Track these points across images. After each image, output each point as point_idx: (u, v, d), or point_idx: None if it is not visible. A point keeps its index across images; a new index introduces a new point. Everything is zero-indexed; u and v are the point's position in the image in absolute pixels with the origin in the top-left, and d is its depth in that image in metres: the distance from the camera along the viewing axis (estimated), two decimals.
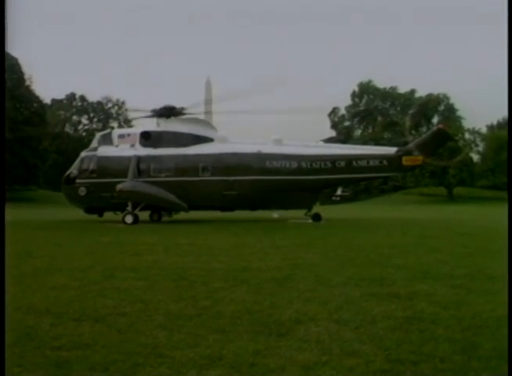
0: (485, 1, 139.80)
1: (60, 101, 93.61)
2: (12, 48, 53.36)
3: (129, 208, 22.05)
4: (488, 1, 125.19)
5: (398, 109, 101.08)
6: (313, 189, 23.18)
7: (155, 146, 23.12)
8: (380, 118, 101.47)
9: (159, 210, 24.34)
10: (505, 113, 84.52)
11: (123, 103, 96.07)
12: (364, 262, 9.39)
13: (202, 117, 25.88)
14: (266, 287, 7.08)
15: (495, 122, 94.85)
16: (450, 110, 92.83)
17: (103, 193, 22.50)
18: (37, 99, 71.33)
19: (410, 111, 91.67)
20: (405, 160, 22.65)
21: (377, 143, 67.28)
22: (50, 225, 22.02)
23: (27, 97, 68.12)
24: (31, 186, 72.69)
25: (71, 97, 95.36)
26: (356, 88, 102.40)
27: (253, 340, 4.64)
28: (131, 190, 21.98)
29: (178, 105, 24.18)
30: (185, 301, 6.15)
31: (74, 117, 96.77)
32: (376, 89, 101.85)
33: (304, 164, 22.58)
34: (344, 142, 67.09)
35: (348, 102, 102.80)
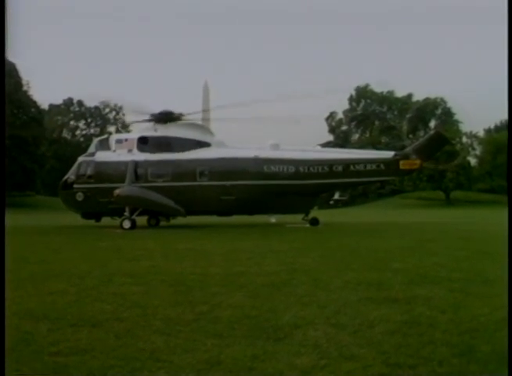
0: (484, 4, 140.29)
1: (58, 106, 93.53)
2: (10, 54, 53.26)
3: (127, 213, 22.00)
4: (487, 4, 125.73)
5: (396, 113, 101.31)
6: (311, 194, 23.18)
7: (152, 151, 23.12)
8: (377, 122, 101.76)
9: (156, 215, 24.34)
10: (502, 116, 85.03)
11: (120, 108, 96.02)
12: (362, 266, 9.38)
13: (199, 121, 25.90)
14: (264, 291, 7.06)
15: (492, 126, 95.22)
16: (447, 113, 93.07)
17: (101, 199, 22.48)
18: (34, 105, 71.35)
19: (407, 115, 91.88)
20: (403, 164, 22.66)
21: (375, 147, 67.46)
22: (48, 230, 21.97)
23: (25, 102, 68.11)
24: (29, 191, 72.55)
25: (69, 102, 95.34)
26: (353, 93, 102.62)
27: (251, 345, 4.63)
28: (129, 195, 21.96)
29: (175, 110, 24.23)
30: (183, 306, 6.13)
31: (72, 123, 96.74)
32: (374, 93, 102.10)
33: (301, 169, 22.57)
34: (341, 146, 67.18)
35: (346, 106, 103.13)
